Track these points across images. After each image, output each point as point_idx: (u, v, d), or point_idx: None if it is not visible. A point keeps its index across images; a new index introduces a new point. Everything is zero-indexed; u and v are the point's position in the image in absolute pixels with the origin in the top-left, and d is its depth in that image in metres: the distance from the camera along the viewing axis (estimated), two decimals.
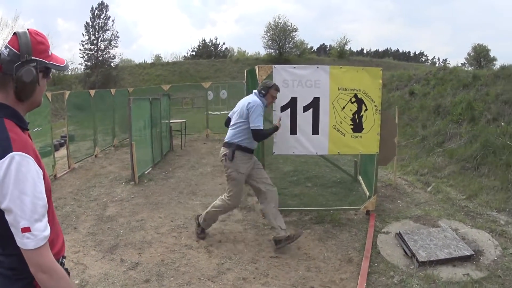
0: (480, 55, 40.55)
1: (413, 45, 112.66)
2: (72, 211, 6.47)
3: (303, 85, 5.53)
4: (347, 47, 46.83)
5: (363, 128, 5.69)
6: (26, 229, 1.45)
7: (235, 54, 48.50)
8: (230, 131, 4.92)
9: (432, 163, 9.02)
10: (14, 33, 1.60)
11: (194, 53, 48.40)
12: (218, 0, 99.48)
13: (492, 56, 40.40)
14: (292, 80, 5.53)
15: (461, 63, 40.41)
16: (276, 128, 5.01)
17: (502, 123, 8.78)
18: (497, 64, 27.66)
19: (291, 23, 44.41)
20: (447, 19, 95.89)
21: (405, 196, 7.09)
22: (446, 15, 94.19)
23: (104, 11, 38.24)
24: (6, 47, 1.57)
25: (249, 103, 4.76)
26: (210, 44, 49.47)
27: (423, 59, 57.12)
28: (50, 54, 1.68)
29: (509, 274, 4.29)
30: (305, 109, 5.58)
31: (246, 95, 7.52)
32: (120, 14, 76.28)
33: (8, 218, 1.46)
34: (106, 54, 38.61)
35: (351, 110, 5.63)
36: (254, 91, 5.00)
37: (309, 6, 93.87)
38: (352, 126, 5.67)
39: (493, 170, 7.60)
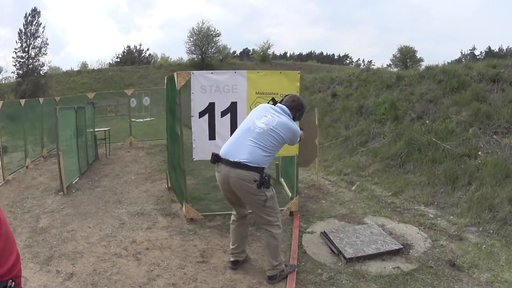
0: (406, 56, 42.13)
1: (338, 47, 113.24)
2: (9, 224, 6.24)
3: (220, 91, 5.55)
4: (270, 51, 47.52)
5: None
6: None
7: (158, 60, 48.18)
8: (261, 156, 4.10)
9: (356, 162, 9.19)
10: None
11: (118, 60, 47.53)
12: (144, 4, 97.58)
13: (419, 57, 42.08)
14: (210, 86, 5.53)
15: (387, 65, 41.79)
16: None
17: (427, 121, 8.98)
18: (424, 65, 28.96)
19: (215, 28, 44.85)
20: (373, 21, 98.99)
21: (329, 196, 7.28)
22: (372, 18, 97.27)
23: (36, 17, 36.74)
24: None
25: (293, 134, 4.20)
26: (134, 50, 48.79)
27: (348, 61, 58.78)
28: None
29: (441, 264, 4.49)
30: (223, 114, 5.58)
31: (167, 101, 7.36)
32: (50, 20, 73.08)
33: None
34: (36, 62, 37.02)
35: None
36: (281, 106, 4.28)
37: (234, 10, 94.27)
38: None
39: (418, 166, 7.80)
